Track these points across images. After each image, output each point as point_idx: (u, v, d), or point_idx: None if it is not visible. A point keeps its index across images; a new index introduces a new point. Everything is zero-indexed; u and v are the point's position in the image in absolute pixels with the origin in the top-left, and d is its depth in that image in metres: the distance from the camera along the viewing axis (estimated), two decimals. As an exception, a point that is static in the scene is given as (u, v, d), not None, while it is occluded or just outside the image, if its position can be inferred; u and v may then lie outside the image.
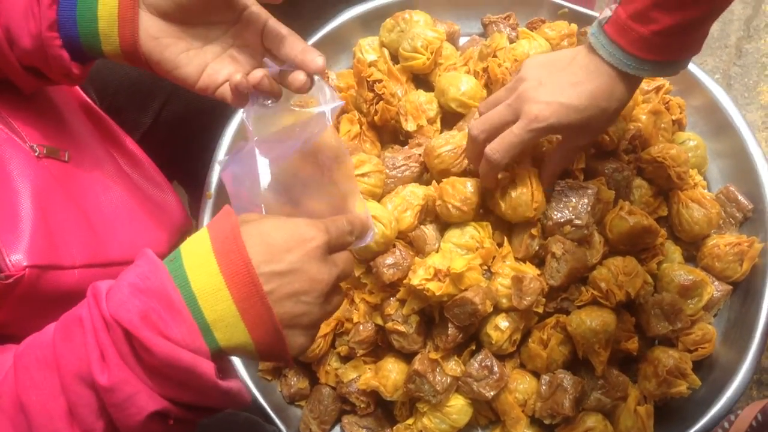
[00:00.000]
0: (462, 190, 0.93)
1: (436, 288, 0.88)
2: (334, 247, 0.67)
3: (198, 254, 0.61)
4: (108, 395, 0.57)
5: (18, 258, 0.72)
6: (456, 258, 0.91)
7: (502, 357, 0.95)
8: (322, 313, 0.65)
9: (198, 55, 0.75)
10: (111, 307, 0.58)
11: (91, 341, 0.57)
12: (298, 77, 0.73)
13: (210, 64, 0.75)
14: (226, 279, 0.59)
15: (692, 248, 1.05)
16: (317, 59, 0.73)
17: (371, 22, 1.20)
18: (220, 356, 0.61)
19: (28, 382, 0.58)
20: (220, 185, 1.08)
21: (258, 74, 0.73)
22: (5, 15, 0.71)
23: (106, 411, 0.58)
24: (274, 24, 0.76)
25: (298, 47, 0.74)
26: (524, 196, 0.92)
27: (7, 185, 0.77)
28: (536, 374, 0.96)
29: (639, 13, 0.79)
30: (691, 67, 1.15)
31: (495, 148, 0.86)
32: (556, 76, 0.86)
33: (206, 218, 1.06)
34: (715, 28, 1.88)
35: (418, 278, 0.89)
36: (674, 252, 1.03)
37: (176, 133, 1.12)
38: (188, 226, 1.04)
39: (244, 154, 0.77)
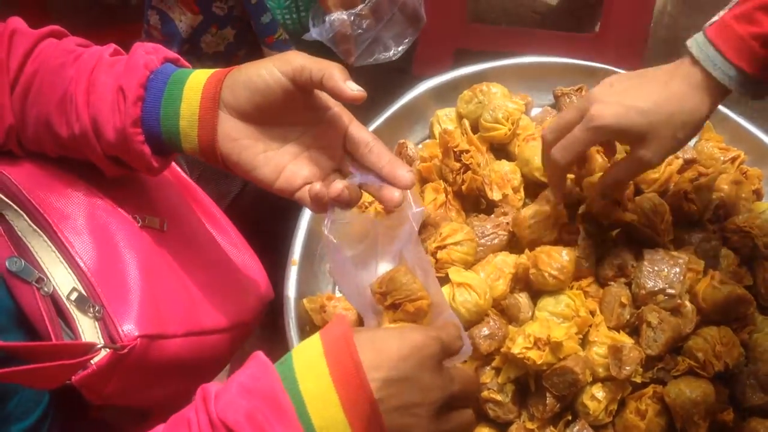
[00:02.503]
0: (558, 259, 0.94)
1: (537, 357, 0.88)
2: (447, 354, 0.65)
3: (309, 357, 0.60)
4: None
5: (130, 328, 0.72)
6: (554, 327, 0.91)
7: (597, 428, 0.94)
8: (434, 429, 0.62)
9: (276, 156, 0.74)
10: (218, 408, 0.57)
11: None
12: (393, 195, 0.71)
13: (288, 165, 0.74)
14: (336, 383, 0.58)
15: (779, 318, 1.04)
16: (406, 175, 0.71)
17: (445, 93, 1.23)
18: None
19: None
20: (304, 254, 1.08)
21: (339, 186, 0.71)
22: (94, 107, 0.72)
23: None
24: (358, 129, 0.74)
25: (385, 158, 0.72)
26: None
27: (116, 255, 0.78)
28: (632, 446, 0.94)
29: (743, 14, 0.77)
30: (763, 135, 1.17)
31: (557, 148, 0.86)
32: (633, 80, 0.84)
33: (291, 285, 1.06)
34: None
35: (518, 347, 0.89)
36: (763, 321, 1.02)
37: (261, 203, 1.14)
38: (269, 293, 1.04)
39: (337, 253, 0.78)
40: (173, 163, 1.02)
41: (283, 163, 0.74)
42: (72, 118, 0.73)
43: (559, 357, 0.90)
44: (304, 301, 1.04)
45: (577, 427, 0.92)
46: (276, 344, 1.03)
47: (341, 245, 0.76)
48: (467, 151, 1.04)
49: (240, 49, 1.48)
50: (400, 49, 1.65)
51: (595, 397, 0.92)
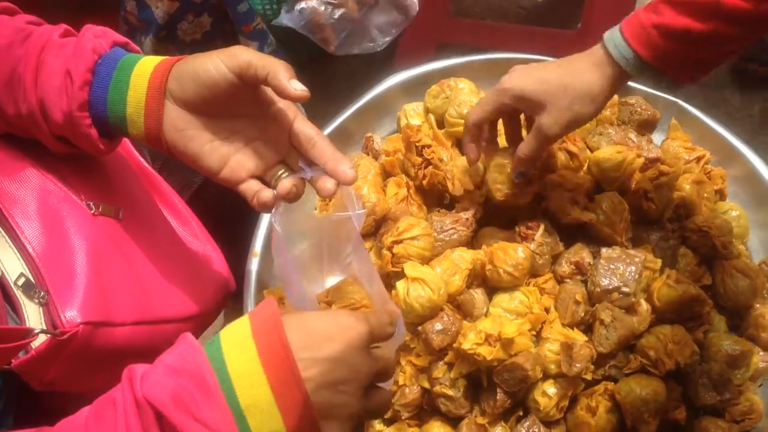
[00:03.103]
0: (514, 256, 0.94)
1: (487, 353, 0.88)
2: (375, 338, 0.66)
3: (237, 338, 0.61)
4: None
5: (72, 314, 0.72)
6: (506, 323, 0.91)
7: (548, 423, 0.95)
8: (360, 407, 0.63)
9: (222, 146, 0.74)
10: (144, 388, 0.57)
11: (121, 424, 0.56)
12: (327, 186, 0.72)
13: (233, 156, 0.74)
14: (263, 362, 0.58)
15: (736, 317, 1.05)
16: (348, 172, 0.72)
17: (413, 88, 1.23)
18: None
19: None
20: (265, 246, 1.09)
21: (286, 185, 0.73)
22: (42, 88, 0.72)
23: None
24: (302, 124, 0.75)
25: (328, 154, 0.73)
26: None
27: (65, 242, 0.78)
28: (583, 442, 0.95)
29: (651, 5, 0.83)
30: (729, 136, 1.17)
31: (471, 109, 0.97)
32: (549, 62, 0.93)
33: (252, 276, 1.07)
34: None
35: (469, 342, 0.89)
36: (719, 321, 1.03)
37: (224, 194, 1.14)
38: (231, 284, 1.04)
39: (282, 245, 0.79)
40: (135, 153, 1.03)
41: (229, 154, 0.74)
42: (19, 97, 0.73)
43: (511, 353, 0.90)
44: (265, 292, 1.05)
45: (527, 423, 0.93)
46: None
47: (287, 239, 0.77)
48: (429, 146, 1.04)
49: (217, 38, 1.47)
50: (386, 39, 1.64)
51: (547, 394, 0.93)
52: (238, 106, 0.74)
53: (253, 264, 1.08)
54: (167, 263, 0.91)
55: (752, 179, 1.14)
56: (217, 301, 1.00)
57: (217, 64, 0.70)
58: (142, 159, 1.03)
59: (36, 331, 0.69)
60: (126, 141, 1.01)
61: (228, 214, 1.16)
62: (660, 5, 0.81)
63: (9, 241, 0.75)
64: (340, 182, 0.72)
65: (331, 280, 0.86)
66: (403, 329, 0.73)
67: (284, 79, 0.69)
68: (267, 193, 0.74)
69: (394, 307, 0.76)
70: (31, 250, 0.74)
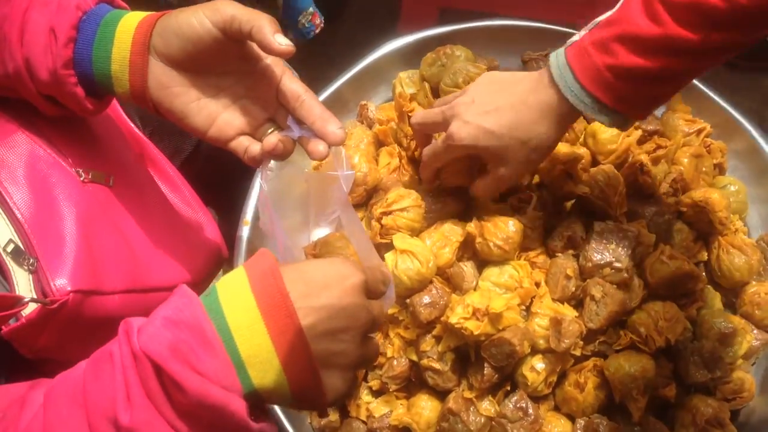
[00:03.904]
0: (504, 229, 0.93)
1: (474, 327, 0.87)
2: (370, 291, 0.66)
3: (234, 289, 0.60)
4: None
5: (62, 283, 0.72)
6: (495, 297, 0.90)
7: (536, 398, 0.94)
8: (359, 354, 0.63)
9: (209, 104, 0.73)
10: (141, 340, 0.56)
11: (119, 378, 0.56)
12: (318, 148, 0.72)
13: (221, 114, 0.74)
14: (263, 312, 0.58)
15: (731, 294, 1.03)
16: (336, 132, 0.72)
17: (410, 55, 1.20)
18: (254, 400, 0.59)
19: (57, 421, 0.56)
20: (256, 214, 1.08)
21: (272, 140, 0.73)
22: (27, 47, 0.71)
23: None
24: (290, 81, 0.74)
25: (316, 111, 0.72)
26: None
27: (54, 209, 0.77)
28: (571, 417, 0.94)
29: (601, 41, 0.78)
30: (732, 110, 1.14)
31: (425, 153, 0.93)
32: (493, 96, 0.86)
33: (243, 244, 1.05)
34: None
35: (456, 316, 0.88)
36: (714, 298, 1.01)
37: (215, 161, 1.13)
38: (224, 252, 1.04)
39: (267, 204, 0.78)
40: (126, 118, 1.01)
41: (217, 112, 0.74)
42: (5, 56, 0.72)
43: (498, 328, 0.89)
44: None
45: (515, 398, 0.92)
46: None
47: (274, 195, 0.76)
48: (422, 116, 1.02)
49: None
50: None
51: (535, 369, 0.92)
52: (224, 63, 0.73)
53: (244, 231, 1.06)
54: (159, 231, 0.91)
55: (754, 153, 1.11)
56: (209, 269, 1.00)
57: (200, 18, 0.69)
58: (132, 125, 1.01)
59: (26, 299, 0.69)
60: (116, 106, 1.00)
61: (219, 182, 1.15)
62: (612, 45, 0.77)
63: None
64: (329, 143, 0.72)
65: (318, 233, 0.85)
66: (393, 293, 0.73)
67: (269, 33, 0.68)
68: (256, 147, 0.74)
69: (386, 269, 0.76)
70: (19, 216, 0.73)
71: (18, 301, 0.70)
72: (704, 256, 1.03)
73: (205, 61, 0.72)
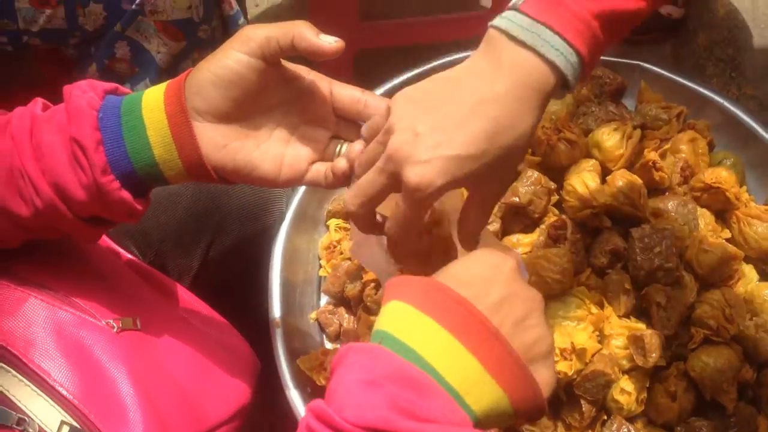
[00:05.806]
0: (557, 261, 0.91)
1: (567, 368, 0.85)
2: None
3: (404, 320, 0.54)
4: None
5: None
6: (574, 332, 0.88)
7: (631, 419, 0.93)
8: (551, 335, 0.58)
9: (270, 147, 0.67)
10: (348, 416, 0.49)
11: None
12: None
13: (286, 152, 0.68)
14: (451, 330, 0.53)
15: (761, 264, 1.06)
16: None
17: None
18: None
19: None
20: (285, 311, 1.01)
21: (357, 148, 0.66)
22: (50, 173, 0.63)
23: None
24: (342, 89, 0.68)
25: (383, 107, 0.65)
26: None
27: (101, 374, 0.70)
28: (667, 426, 0.93)
29: None
30: (700, 86, 1.17)
31: (392, 231, 0.64)
32: (435, 114, 0.60)
33: (280, 347, 0.98)
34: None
35: (547, 363, 0.85)
36: (750, 271, 1.03)
37: (226, 269, 1.05)
38: (257, 363, 0.96)
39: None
40: (123, 251, 0.93)
41: (281, 152, 0.68)
42: (30, 193, 0.64)
43: (585, 361, 0.87)
44: (299, 362, 0.97)
45: (615, 425, 0.90)
46: (275, 408, 0.96)
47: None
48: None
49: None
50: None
51: (625, 391, 0.90)
52: (268, 96, 0.67)
53: (278, 335, 0.99)
54: (197, 362, 0.84)
55: (731, 122, 1.14)
56: (251, 384, 0.93)
57: (235, 56, 0.63)
58: (131, 257, 0.94)
59: None
60: (108, 242, 0.92)
61: (232, 289, 1.07)
62: None
63: (37, 389, 0.65)
64: None
65: None
66: (526, 274, 0.70)
67: (312, 36, 0.62)
68: (341, 162, 0.67)
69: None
70: (66, 393, 0.65)
71: None
72: (727, 233, 1.05)
73: (251, 102, 0.66)
